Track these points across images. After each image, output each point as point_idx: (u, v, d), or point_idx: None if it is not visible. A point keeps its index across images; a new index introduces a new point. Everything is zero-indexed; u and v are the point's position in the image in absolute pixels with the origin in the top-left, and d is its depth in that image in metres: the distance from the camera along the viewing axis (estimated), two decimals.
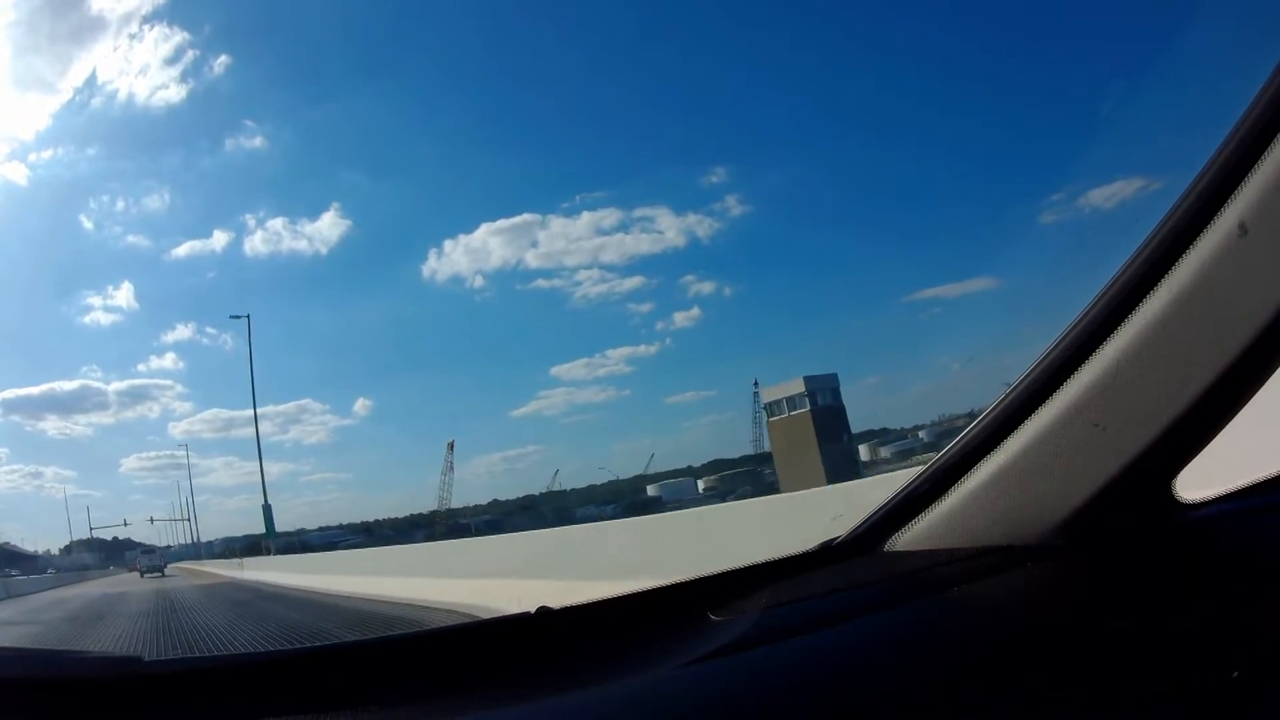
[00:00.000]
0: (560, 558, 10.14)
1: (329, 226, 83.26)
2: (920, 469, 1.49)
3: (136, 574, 51.15)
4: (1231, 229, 1.07)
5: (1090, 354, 1.22)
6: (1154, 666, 1.09)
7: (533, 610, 1.36)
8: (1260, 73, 1.04)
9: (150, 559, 55.55)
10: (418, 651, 1.33)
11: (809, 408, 56.21)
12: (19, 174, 74.85)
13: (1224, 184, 1.08)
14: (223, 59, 76.78)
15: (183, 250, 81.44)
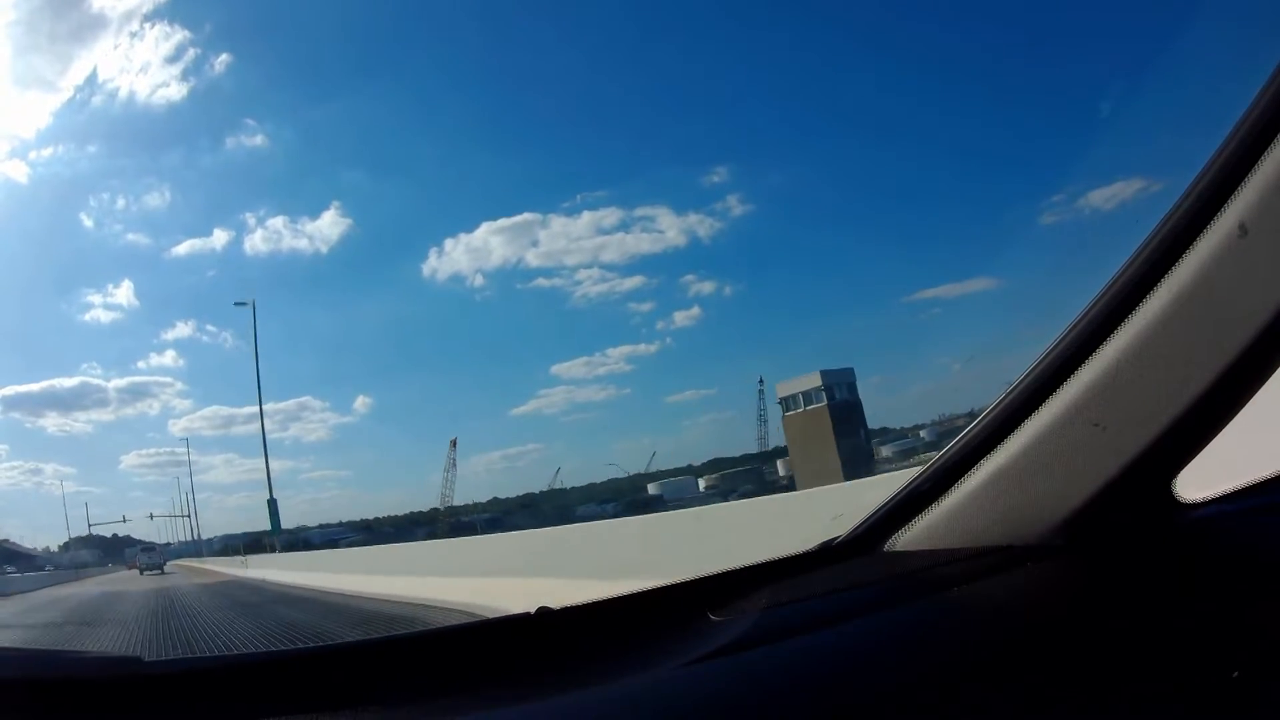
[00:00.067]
0: (567, 556, 10.08)
1: (329, 225, 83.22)
2: (920, 469, 1.49)
3: (135, 572, 50.57)
4: (1231, 229, 1.07)
5: (1090, 354, 1.22)
6: (1154, 666, 1.09)
7: (534, 610, 1.36)
8: (1260, 73, 1.04)
9: (150, 556, 55.17)
10: (418, 651, 1.33)
11: (826, 402, 55.38)
12: (19, 172, 74.72)
13: (1224, 184, 1.08)
14: (224, 57, 76.61)
15: (183, 248, 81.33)
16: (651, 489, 74.58)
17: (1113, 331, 1.19)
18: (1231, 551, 1.37)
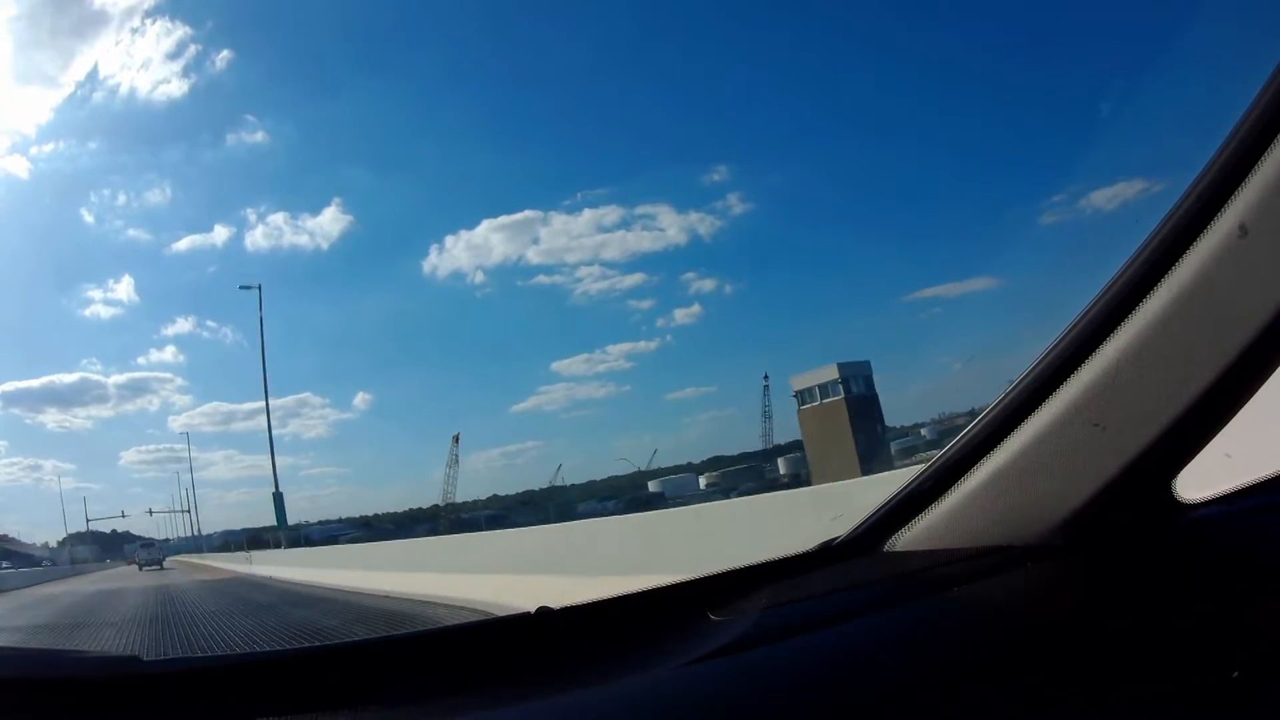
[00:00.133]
0: (583, 553, 9.99)
1: (330, 221, 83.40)
2: (920, 468, 1.49)
3: (134, 568, 50.03)
4: (1231, 229, 1.07)
5: (1090, 354, 1.22)
6: (1154, 666, 1.09)
7: (534, 610, 1.36)
8: (1260, 73, 1.04)
9: (149, 552, 54.89)
10: (418, 651, 1.33)
11: (843, 395, 54.66)
12: (20, 167, 74.82)
13: (1224, 184, 1.08)
14: (225, 54, 76.71)
15: (183, 244, 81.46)
16: (652, 486, 74.59)
17: (1113, 331, 1.19)
18: (1231, 551, 1.37)
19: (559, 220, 78.56)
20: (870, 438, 52.82)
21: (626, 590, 1.41)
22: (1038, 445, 1.30)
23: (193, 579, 29.54)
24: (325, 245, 79.55)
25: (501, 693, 1.21)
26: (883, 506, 1.52)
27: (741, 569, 1.48)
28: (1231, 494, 1.44)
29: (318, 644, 1.45)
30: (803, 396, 57.75)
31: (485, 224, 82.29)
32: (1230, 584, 1.25)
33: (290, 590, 18.11)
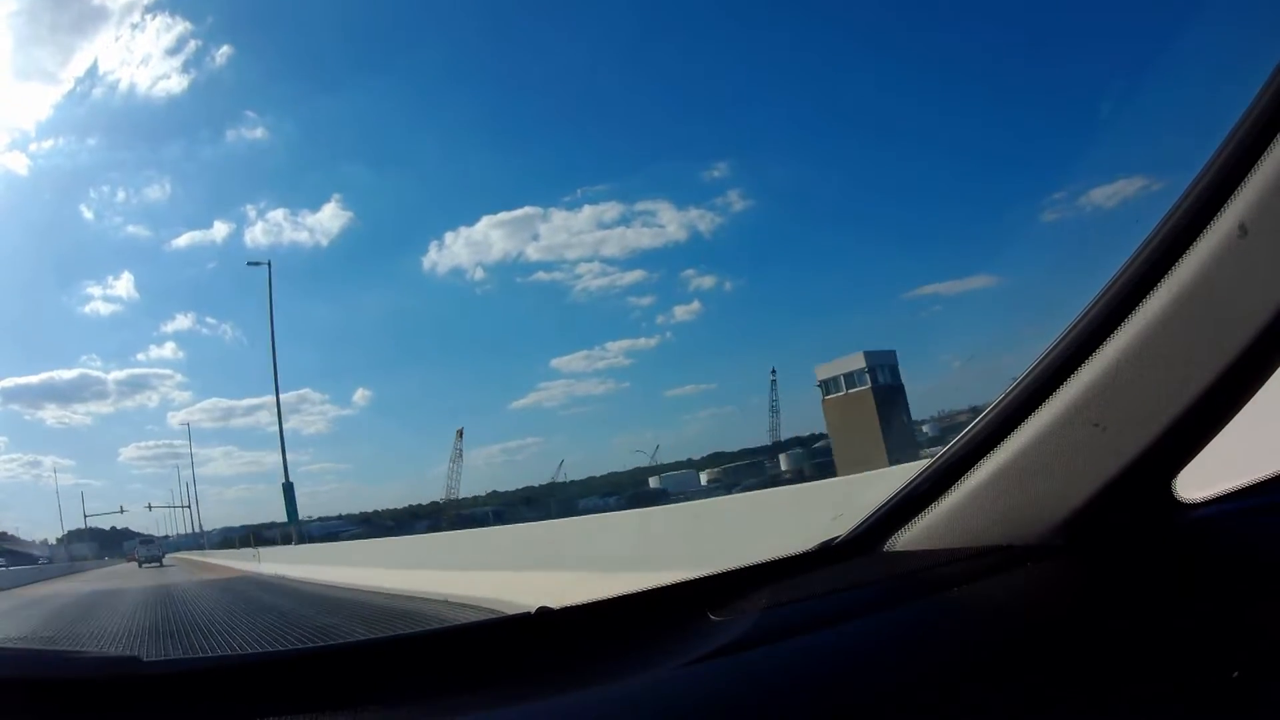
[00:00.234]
0: (593, 548, 9.89)
1: (330, 218, 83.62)
2: (920, 468, 1.49)
3: (134, 565, 49.68)
4: (1231, 229, 1.06)
5: (1090, 354, 1.22)
6: (1154, 666, 1.09)
7: (534, 610, 1.36)
8: (1260, 73, 1.04)
9: (149, 549, 54.69)
10: (418, 651, 1.33)
11: (869, 385, 53.62)
12: (20, 164, 75.04)
13: (1224, 184, 1.08)
14: (225, 49, 76.88)
15: (183, 241, 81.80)
16: (653, 482, 74.62)
17: (1113, 331, 1.19)
18: (1231, 551, 1.37)
19: (559, 217, 78.67)
20: (897, 428, 51.78)
21: (631, 587, 1.41)
22: (1038, 445, 1.30)
23: (197, 579, 27.11)
24: (325, 242, 79.79)
25: (501, 693, 1.21)
26: (883, 506, 1.52)
27: (741, 569, 1.48)
28: (1231, 494, 1.44)
29: (318, 644, 1.46)
30: (827, 386, 56.65)
31: (485, 220, 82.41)
32: (1230, 584, 1.25)
33: (307, 592, 16.24)
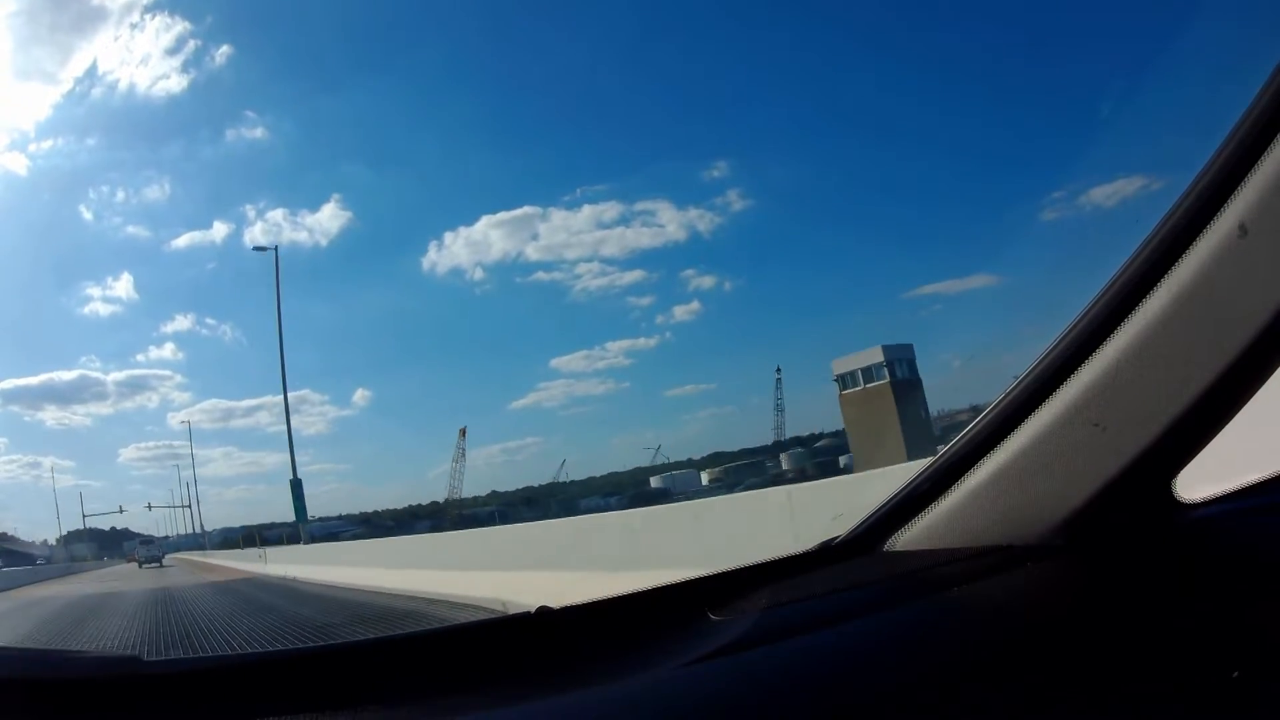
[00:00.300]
0: (593, 548, 9.83)
1: (329, 218, 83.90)
2: (920, 467, 1.49)
3: (133, 565, 49.49)
4: (1231, 229, 1.06)
5: (1090, 354, 1.22)
6: (1154, 666, 1.09)
7: (534, 610, 1.36)
8: (1260, 73, 1.04)
9: (149, 549, 54.67)
10: (418, 651, 1.33)
11: (888, 379, 52.79)
12: (19, 164, 75.29)
13: (1224, 184, 1.07)
14: (224, 49, 77.11)
15: (182, 241, 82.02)
16: (654, 482, 74.60)
17: (1113, 331, 1.19)
18: (1231, 551, 1.37)
19: (558, 217, 78.80)
20: (916, 423, 50.90)
21: (631, 586, 1.41)
22: (1038, 445, 1.30)
23: (202, 580, 25.43)
24: (324, 242, 79.94)
25: (501, 693, 1.21)
26: (882, 506, 1.52)
27: (741, 569, 1.48)
28: (1231, 494, 1.44)
29: (318, 644, 1.46)
30: (844, 380, 55.68)
31: (484, 220, 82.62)
32: (1230, 584, 1.25)
33: (331, 597, 14.64)
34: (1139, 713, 1.04)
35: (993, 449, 1.36)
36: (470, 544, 15.13)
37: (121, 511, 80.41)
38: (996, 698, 1.08)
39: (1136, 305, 1.16)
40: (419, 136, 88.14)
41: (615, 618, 1.41)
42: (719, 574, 1.47)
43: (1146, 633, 1.17)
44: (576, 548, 10.29)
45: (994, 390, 1.42)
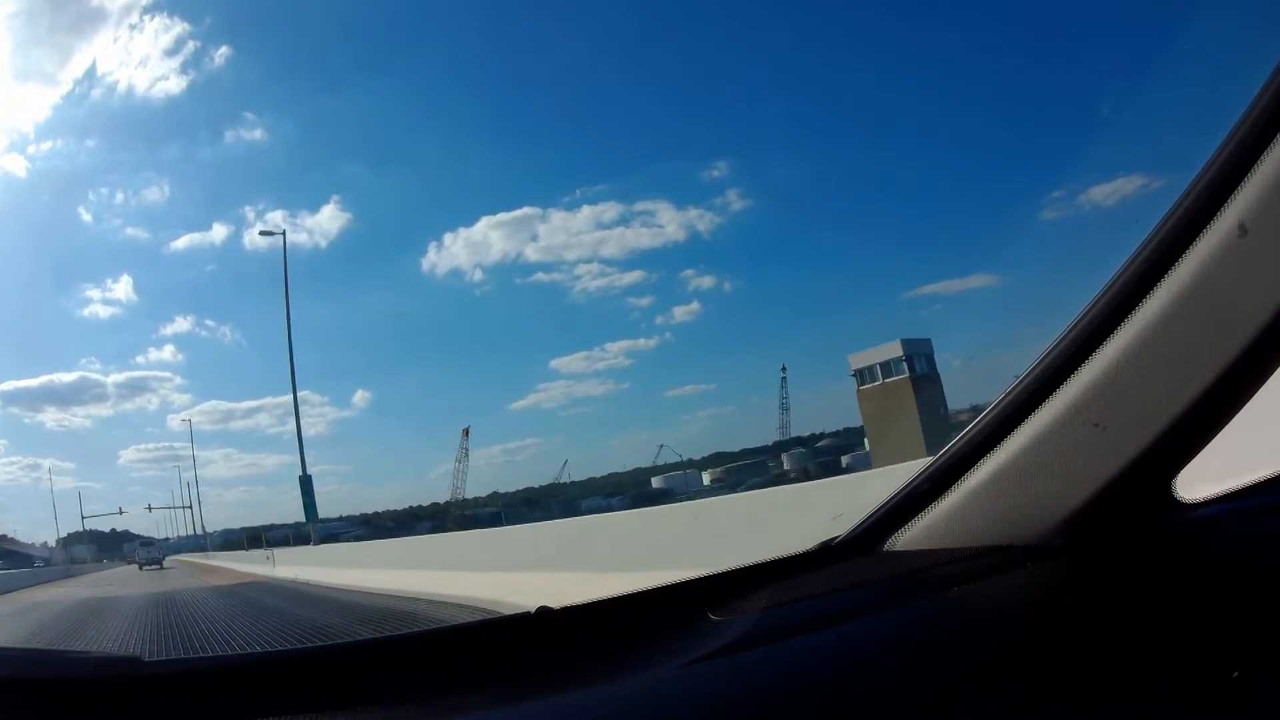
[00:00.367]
0: (593, 548, 9.78)
1: (329, 219, 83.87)
2: (920, 467, 1.49)
3: (134, 568, 49.09)
4: (1231, 229, 1.06)
5: (1090, 354, 1.22)
6: (1154, 666, 1.09)
7: (534, 610, 1.36)
8: (1260, 73, 1.04)
9: (149, 551, 54.32)
10: (417, 651, 1.33)
11: (907, 374, 51.48)
12: (18, 166, 74.99)
13: (1224, 184, 1.07)
14: (223, 50, 76.80)
15: (182, 243, 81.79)
16: (656, 482, 74.56)
17: (1113, 331, 1.19)
18: (1231, 551, 1.37)
19: (558, 217, 78.59)
20: (936, 418, 49.40)
21: (631, 586, 1.41)
22: (1038, 445, 1.30)
23: (206, 584, 23.63)
24: (324, 243, 79.77)
25: (501, 693, 1.21)
26: (883, 506, 1.52)
27: (741, 569, 1.48)
28: (1231, 494, 1.44)
29: (318, 644, 1.46)
30: (862, 375, 54.42)
31: (484, 221, 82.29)
32: (1230, 584, 1.25)
33: (361, 605, 12.92)
34: (1139, 713, 1.04)
35: (993, 449, 1.36)
36: (499, 543, 14.20)
37: (121, 513, 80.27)
38: (996, 698, 1.08)
39: (1136, 305, 1.16)
40: (419, 137, 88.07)
41: (615, 618, 1.41)
42: (719, 574, 1.47)
43: (1146, 633, 1.16)
44: (578, 548, 10.29)
45: (994, 390, 1.41)
